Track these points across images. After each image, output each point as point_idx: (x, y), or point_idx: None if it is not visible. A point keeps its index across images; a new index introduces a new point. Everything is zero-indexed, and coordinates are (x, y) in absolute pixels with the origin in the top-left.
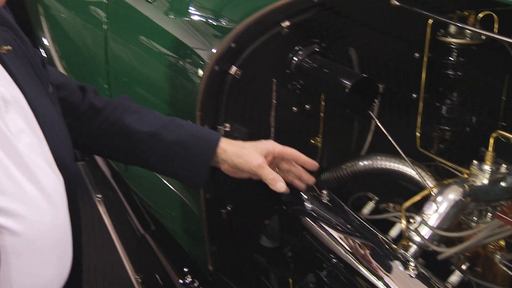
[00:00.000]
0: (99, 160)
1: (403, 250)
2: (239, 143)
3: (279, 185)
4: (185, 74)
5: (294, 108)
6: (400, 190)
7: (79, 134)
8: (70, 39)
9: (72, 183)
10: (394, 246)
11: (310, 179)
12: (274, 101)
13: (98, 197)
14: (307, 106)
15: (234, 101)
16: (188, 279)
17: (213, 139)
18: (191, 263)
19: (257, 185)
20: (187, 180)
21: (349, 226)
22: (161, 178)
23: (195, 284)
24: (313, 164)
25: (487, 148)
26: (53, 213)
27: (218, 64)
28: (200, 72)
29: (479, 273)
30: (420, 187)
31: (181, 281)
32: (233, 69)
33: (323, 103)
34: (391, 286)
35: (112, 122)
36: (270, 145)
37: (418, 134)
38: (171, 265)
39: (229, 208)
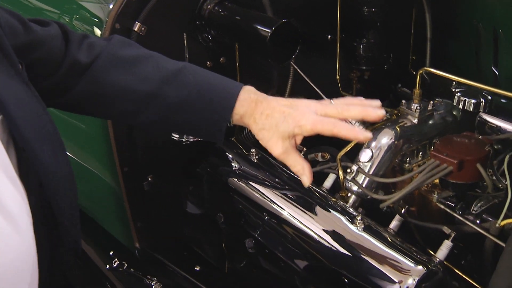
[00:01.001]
0: None
1: (342, 201)
2: (259, 120)
3: (304, 179)
4: None
5: (209, 63)
6: (328, 138)
7: (62, 95)
8: None
9: (53, 193)
10: (333, 199)
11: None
12: (186, 56)
13: None
14: (222, 59)
15: None
16: (116, 263)
17: (227, 105)
18: (116, 244)
19: (178, 149)
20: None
21: (283, 183)
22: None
23: (124, 267)
24: (366, 137)
25: (403, 85)
26: (19, 240)
27: (119, 21)
28: (98, 31)
29: (415, 212)
30: None
31: (107, 266)
32: (137, 26)
33: (238, 53)
34: (344, 242)
35: (101, 83)
36: (291, 128)
37: (338, 77)
38: (94, 248)
39: (150, 179)
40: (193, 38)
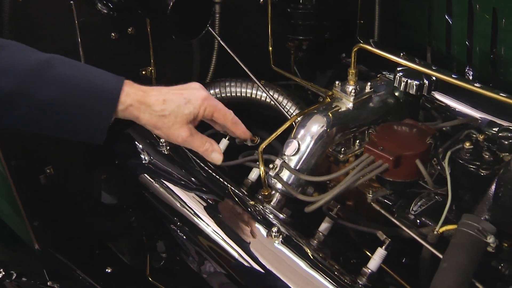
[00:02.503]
0: None
1: (265, 200)
2: (156, 106)
3: (214, 156)
4: None
5: (113, 34)
6: (258, 119)
7: None
8: None
9: None
10: (252, 202)
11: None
12: (77, 27)
13: None
14: (130, 30)
15: (21, 31)
16: (1, 274)
17: (110, 98)
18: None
19: None
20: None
21: (196, 181)
22: None
23: (13, 277)
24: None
25: (349, 54)
26: None
27: None
28: None
29: (351, 208)
30: (279, 112)
31: None
32: None
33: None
34: (257, 259)
35: None
36: (197, 108)
37: (270, 48)
38: None
39: (49, 171)
40: (90, 5)
